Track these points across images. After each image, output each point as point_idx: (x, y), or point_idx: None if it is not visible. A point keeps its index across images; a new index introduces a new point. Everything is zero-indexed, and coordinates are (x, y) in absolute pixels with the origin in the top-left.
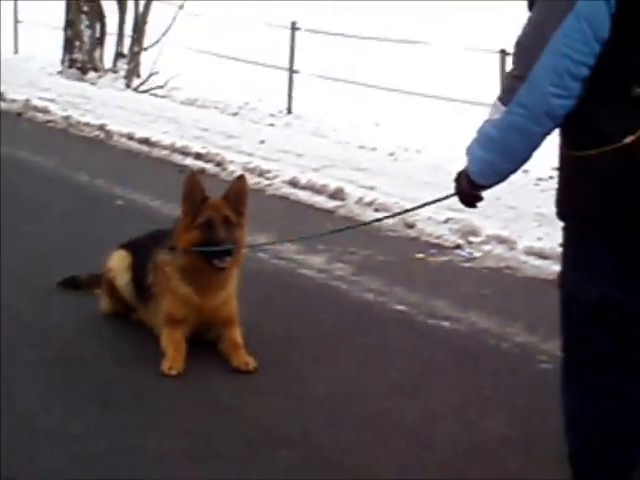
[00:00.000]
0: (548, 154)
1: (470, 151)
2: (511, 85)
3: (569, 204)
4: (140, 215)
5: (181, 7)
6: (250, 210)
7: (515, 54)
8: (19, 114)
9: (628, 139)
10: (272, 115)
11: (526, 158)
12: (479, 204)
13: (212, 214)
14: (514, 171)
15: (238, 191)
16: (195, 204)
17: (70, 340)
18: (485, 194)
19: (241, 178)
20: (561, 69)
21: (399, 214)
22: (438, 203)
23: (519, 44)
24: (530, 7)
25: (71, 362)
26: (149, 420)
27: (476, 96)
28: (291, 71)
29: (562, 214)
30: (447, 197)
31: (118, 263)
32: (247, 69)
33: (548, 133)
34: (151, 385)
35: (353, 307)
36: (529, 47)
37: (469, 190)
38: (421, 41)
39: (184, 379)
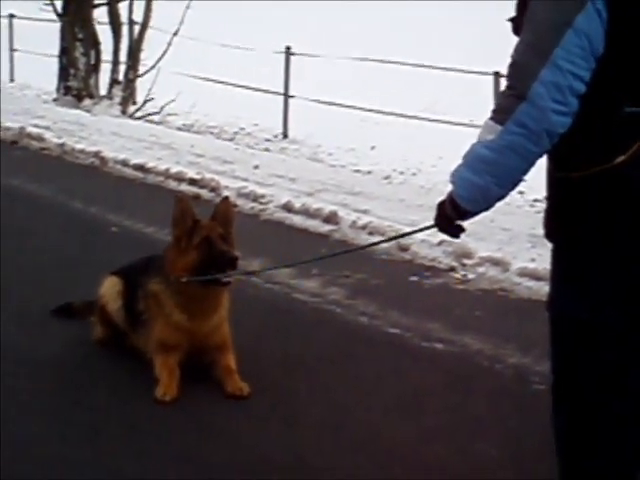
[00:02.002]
0: (544, 175)
1: (457, 176)
2: (508, 104)
3: (557, 225)
4: (135, 242)
5: (175, 33)
6: (238, 232)
7: (511, 73)
8: (13, 142)
9: (619, 159)
10: (268, 140)
11: (518, 181)
12: (467, 229)
13: (208, 232)
14: (504, 196)
15: (224, 212)
16: (187, 228)
17: (64, 368)
18: (479, 216)
19: (225, 200)
20: (563, 85)
21: (392, 239)
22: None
23: (514, 64)
24: (515, 31)
25: (65, 390)
26: (143, 447)
27: (471, 118)
28: (286, 95)
29: (550, 235)
30: (429, 227)
31: (110, 289)
32: (243, 95)
33: (542, 154)
34: (145, 412)
35: (347, 331)
36: (526, 65)
37: (455, 217)
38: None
39: (178, 405)
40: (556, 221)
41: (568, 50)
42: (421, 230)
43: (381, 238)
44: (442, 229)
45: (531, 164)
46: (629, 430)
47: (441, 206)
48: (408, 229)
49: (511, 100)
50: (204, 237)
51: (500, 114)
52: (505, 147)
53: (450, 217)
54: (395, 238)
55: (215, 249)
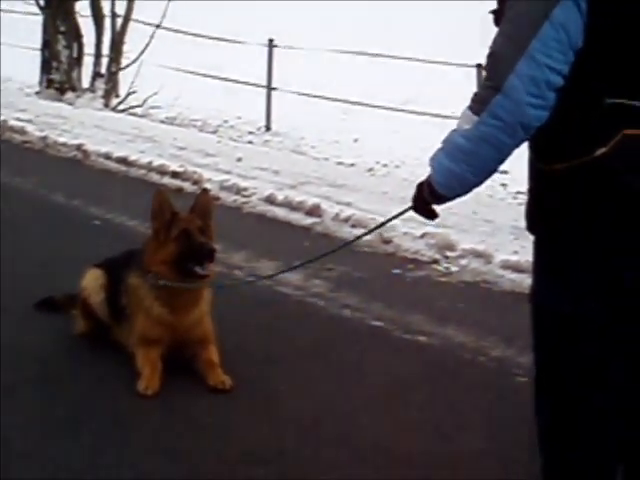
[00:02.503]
0: (527, 168)
1: (435, 161)
2: (484, 95)
3: (539, 217)
4: (117, 235)
5: (158, 26)
6: (221, 225)
7: (488, 65)
8: None
9: (599, 151)
10: (251, 132)
11: (493, 171)
12: (440, 215)
13: (186, 225)
14: (479, 183)
15: (203, 205)
16: (165, 220)
17: (47, 361)
18: (461, 208)
19: (205, 192)
20: (539, 78)
21: (379, 226)
22: (416, 219)
23: (492, 54)
24: (497, 23)
25: (48, 383)
26: (125, 440)
27: (454, 110)
28: (269, 88)
29: (532, 227)
30: (406, 210)
31: (92, 282)
32: (226, 87)
33: (518, 145)
34: (127, 405)
35: (330, 323)
36: (503, 57)
37: (431, 201)
38: (399, 56)
39: (160, 398)
40: (537, 213)
41: (545, 43)
42: (400, 214)
43: (364, 230)
44: (418, 211)
45: (506, 155)
46: (610, 423)
47: (420, 188)
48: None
49: (488, 91)
50: (182, 229)
51: (477, 104)
52: (479, 138)
53: (427, 200)
54: (381, 225)
55: (194, 241)
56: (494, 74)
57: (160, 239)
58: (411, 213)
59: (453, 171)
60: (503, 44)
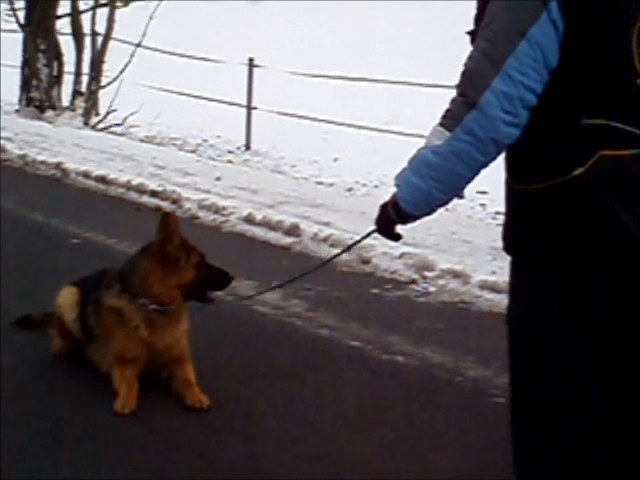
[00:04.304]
0: None
1: (401, 179)
2: (457, 112)
3: (516, 238)
4: (96, 254)
5: (138, 45)
6: (200, 244)
7: (463, 81)
8: None
9: (577, 171)
10: (230, 152)
11: (460, 190)
12: (423, 239)
13: (201, 252)
14: (446, 202)
15: (171, 227)
16: (177, 245)
17: (23, 379)
18: (440, 229)
19: (168, 214)
20: (514, 95)
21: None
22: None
23: (467, 71)
24: (472, 42)
25: (24, 401)
26: (101, 457)
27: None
28: (249, 107)
29: (509, 248)
30: (370, 233)
31: (67, 299)
32: (206, 106)
33: (489, 163)
34: (103, 422)
35: (308, 343)
36: (479, 74)
37: (397, 220)
38: (379, 79)
39: (137, 417)
40: (514, 234)
41: (521, 61)
42: (364, 238)
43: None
44: (382, 232)
45: (476, 172)
46: (587, 445)
47: (384, 208)
48: (369, 241)
49: (462, 108)
50: (200, 256)
51: (449, 120)
52: (451, 153)
53: (392, 220)
54: (347, 250)
55: (213, 269)
56: (469, 90)
57: (176, 264)
58: None
59: (420, 188)
60: (479, 61)
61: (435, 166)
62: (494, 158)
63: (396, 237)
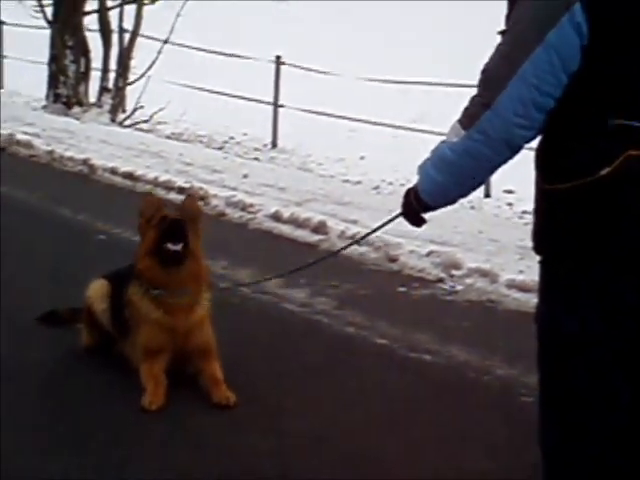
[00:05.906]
0: (533, 187)
1: (422, 169)
2: (475, 111)
3: (545, 238)
4: (122, 250)
5: (166, 41)
6: (227, 241)
7: (481, 81)
8: (2, 149)
9: (604, 171)
10: (257, 149)
11: (476, 186)
12: (461, 236)
13: (165, 213)
14: (463, 196)
15: (190, 209)
16: (149, 216)
17: (50, 376)
18: (467, 227)
19: (190, 197)
20: (527, 99)
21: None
22: (422, 237)
23: (486, 71)
24: (503, 34)
25: (51, 398)
26: (129, 456)
27: None
28: (276, 105)
29: (538, 248)
30: (396, 217)
31: (97, 291)
32: (233, 103)
33: (503, 163)
34: (131, 420)
35: (335, 341)
36: (496, 75)
37: (417, 207)
38: (403, 81)
39: (164, 414)
40: (543, 234)
41: (537, 66)
42: (390, 221)
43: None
44: (406, 217)
45: (490, 171)
46: (615, 446)
47: (408, 194)
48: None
49: (478, 107)
50: (161, 216)
51: (467, 119)
52: (465, 151)
53: (414, 206)
54: (372, 232)
55: (168, 221)
56: (486, 91)
57: (142, 234)
58: (417, 230)
59: (437, 181)
60: (498, 63)
61: (450, 162)
62: (510, 158)
63: (420, 223)
